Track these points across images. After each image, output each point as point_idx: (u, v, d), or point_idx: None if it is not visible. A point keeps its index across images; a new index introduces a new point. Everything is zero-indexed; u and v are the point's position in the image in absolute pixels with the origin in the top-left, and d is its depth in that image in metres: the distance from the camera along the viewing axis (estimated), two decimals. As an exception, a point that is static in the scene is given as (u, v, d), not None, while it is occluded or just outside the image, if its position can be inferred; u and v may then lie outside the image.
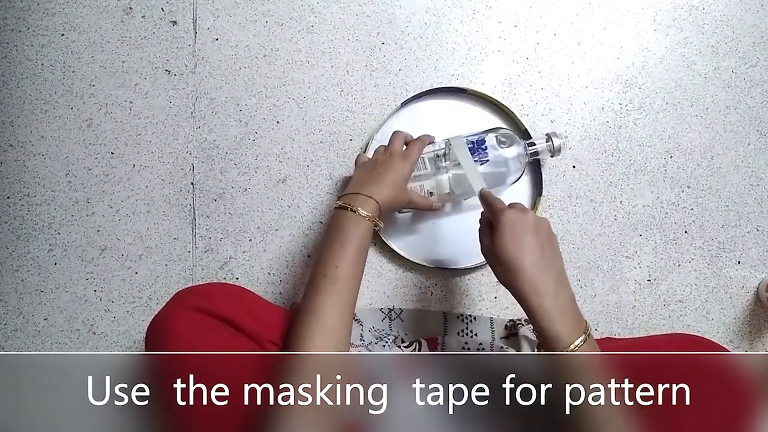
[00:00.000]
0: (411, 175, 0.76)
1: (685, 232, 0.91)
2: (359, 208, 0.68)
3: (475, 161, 0.79)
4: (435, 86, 0.92)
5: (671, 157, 0.92)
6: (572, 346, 0.57)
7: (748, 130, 0.92)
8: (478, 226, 0.69)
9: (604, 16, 0.93)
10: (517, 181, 0.85)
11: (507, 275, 0.60)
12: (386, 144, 0.80)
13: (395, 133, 0.80)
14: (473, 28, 0.93)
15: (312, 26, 0.93)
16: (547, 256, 0.61)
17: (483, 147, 0.81)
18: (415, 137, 0.81)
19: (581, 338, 0.57)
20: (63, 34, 0.95)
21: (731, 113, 0.92)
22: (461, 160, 0.77)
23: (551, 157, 0.85)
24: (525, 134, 0.89)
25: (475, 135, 0.82)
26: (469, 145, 0.80)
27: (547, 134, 0.84)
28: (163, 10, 0.95)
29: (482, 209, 0.70)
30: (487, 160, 0.81)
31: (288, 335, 0.64)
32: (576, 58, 0.92)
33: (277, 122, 0.93)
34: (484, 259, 0.84)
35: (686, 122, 0.92)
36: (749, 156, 0.92)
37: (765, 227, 0.91)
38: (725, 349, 0.70)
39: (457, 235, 0.89)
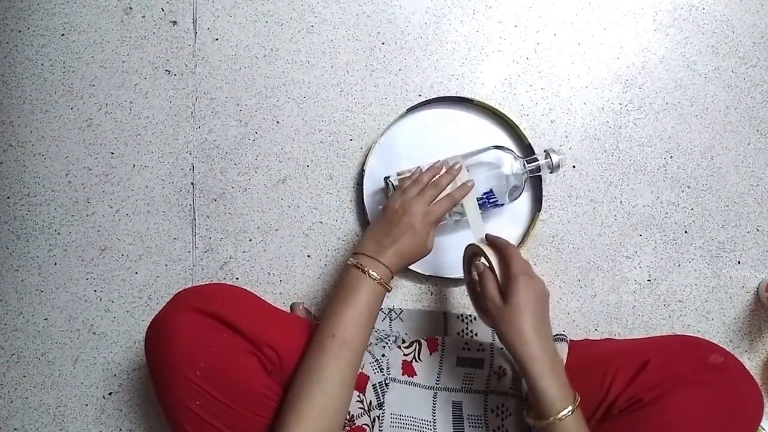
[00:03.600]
0: (432, 232, 0.70)
1: (685, 232, 0.91)
2: (372, 272, 0.65)
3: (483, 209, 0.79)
4: (435, 86, 0.92)
5: (671, 157, 0.92)
6: (565, 412, 0.58)
7: (748, 130, 0.92)
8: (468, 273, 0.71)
9: (604, 16, 0.93)
10: (517, 198, 0.84)
11: (511, 336, 0.62)
12: (405, 172, 0.75)
13: (421, 174, 0.73)
14: (473, 28, 0.93)
15: (312, 26, 0.93)
16: (546, 323, 0.63)
17: (493, 200, 0.80)
18: (443, 170, 0.74)
19: (571, 408, 0.59)
20: (63, 34, 0.95)
21: (731, 113, 0.92)
22: (467, 209, 0.73)
23: (550, 173, 0.83)
24: (528, 149, 0.89)
25: (476, 153, 0.81)
26: (480, 201, 0.78)
27: (545, 150, 0.82)
28: (163, 10, 0.95)
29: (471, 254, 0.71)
30: (501, 204, 0.81)
31: (288, 391, 0.63)
32: (576, 58, 0.92)
33: (277, 122, 0.93)
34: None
35: (686, 122, 0.92)
36: (749, 156, 0.92)
37: (765, 227, 0.91)
38: (725, 351, 0.70)
39: (455, 244, 0.89)
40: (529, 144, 0.88)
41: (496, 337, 0.85)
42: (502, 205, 0.82)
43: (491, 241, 0.69)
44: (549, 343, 0.62)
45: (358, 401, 0.70)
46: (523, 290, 0.62)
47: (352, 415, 0.69)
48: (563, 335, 0.79)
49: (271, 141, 0.93)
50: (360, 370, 0.73)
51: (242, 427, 0.64)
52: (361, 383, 0.72)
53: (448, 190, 0.72)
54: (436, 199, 0.71)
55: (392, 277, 0.68)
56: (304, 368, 0.63)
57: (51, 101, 0.94)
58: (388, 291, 0.67)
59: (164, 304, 0.67)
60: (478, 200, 0.76)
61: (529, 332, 0.60)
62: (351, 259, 0.68)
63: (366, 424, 0.70)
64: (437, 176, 0.73)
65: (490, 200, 0.80)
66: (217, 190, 0.93)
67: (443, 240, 0.89)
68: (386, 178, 0.82)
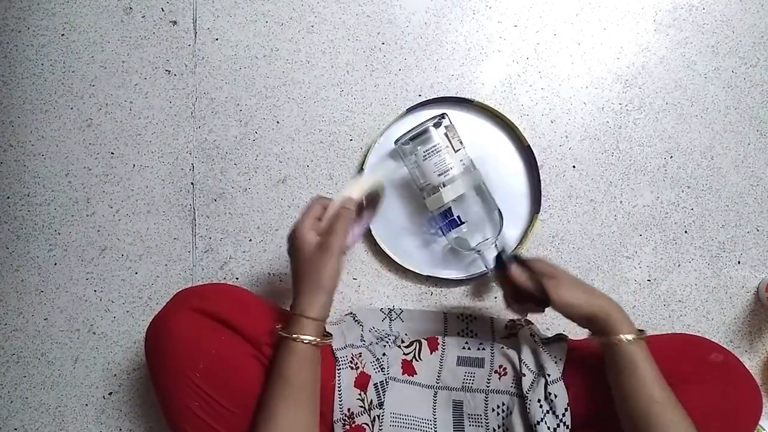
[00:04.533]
0: (341, 252, 0.64)
1: (685, 232, 0.91)
2: (301, 336, 0.61)
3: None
4: (435, 86, 0.92)
5: (671, 157, 0.92)
6: (629, 336, 0.64)
7: (748, 130, 0.92)
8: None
9: (604, 16, 0.93)
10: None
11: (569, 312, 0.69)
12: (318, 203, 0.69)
13: (309, 207, 0.68)
14: (473, 28, 0.93)
15: (312, 26, 0.93)
16: (585, 287, 0.71)
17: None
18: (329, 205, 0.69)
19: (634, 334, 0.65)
20: (63, 34, 0.95)
21: (731, 113, 0.92)
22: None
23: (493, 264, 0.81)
24: (528, 150, 0.89)
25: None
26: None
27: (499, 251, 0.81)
28: (163, 10, 0.95)
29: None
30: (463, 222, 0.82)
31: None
32: (576, 58, 0.92)
33: (277, 122, 0.93)
34: (476, 273, 0.88)
35: (686, 122, 0.92)
36: (749, 156, 0.92)
37: (765, 227, 0.91)
38: (725, 349, 0.70)
39: (452, 246, 0.89)
40: (529, 146, 0.88)
41: (496, 337, 0.85)
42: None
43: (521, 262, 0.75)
44: (601, 298, 0.68)
45: (358, 399, 0.70)
46: (562, 270, 0.72)
47: (352, 413, 0.69)
48: (563, 335, 0.79)
49: (271, 141, 0.93)
50: (362, 370, 0.73)
51: (241, 427, 0.64)
52: (362, 382, 0.72)
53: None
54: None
55: (322, 326, 0.63)
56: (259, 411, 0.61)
57: (51, 101, 0.94)
58: (327, 341, 0.64)
59: (164, 304, 0.67)
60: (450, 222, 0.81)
61: (591, 291, 0.69)
62: (279, 328, 0.64)
63: (366, 423, 0.70)
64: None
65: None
66: (217, 190, 0.93)
67: (443, 240, 0.89)
68: (397, 141, 0.84)
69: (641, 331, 0.65)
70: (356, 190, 0.70)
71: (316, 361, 0.63)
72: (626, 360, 0.63)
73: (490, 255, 0.81)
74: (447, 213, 0.82)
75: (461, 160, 0.81)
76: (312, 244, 0.64)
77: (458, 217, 0.81)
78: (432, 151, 0.81)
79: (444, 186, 0.80)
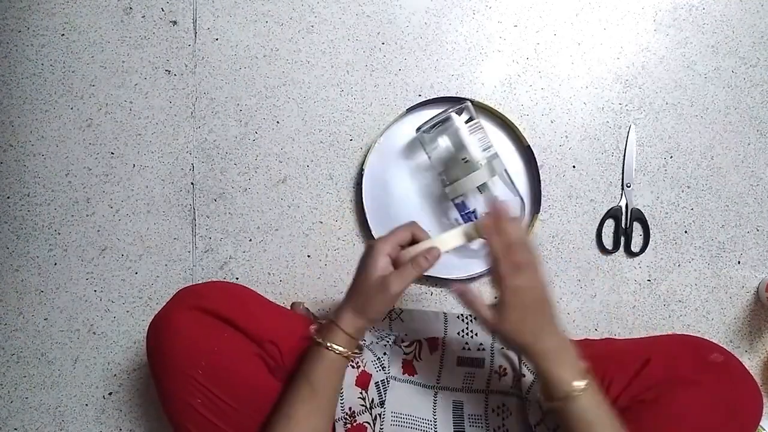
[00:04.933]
0: (396, 296, 0.62)
1: (685, 232, 0.91)
2: (333, 345, 0.62)
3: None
4: (435, 86, 0.92)
5: (671, 157, 0.92)
6: (577, 385, 0.56)
7: (748, 130, 0.92)
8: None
9: (604, 16, 0.93)
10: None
11: (513, 345, 0.61)
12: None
13: (399, 230, 0.65)
14: (473, 28, 0.93)
15: (312, 26, 0.93)
16: (544, 323, 0.60)
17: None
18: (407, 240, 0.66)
19: (582, 385, 0.57)
20: (63, 34, 0.95)
21: (731, 113, 0.92)
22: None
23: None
24: (527, 150, 0.89)
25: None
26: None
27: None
28: (163, 10, 0.95)
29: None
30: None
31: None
32: (576, 58, 0.92)
33: (277, 122, 0.93)
34: (475, 272, 0.88)
35: (686, 122, 0.92)
36: (749, 156, 0.92)
37: (765, 227, 0.91)
38: (725, 350, 0.70)
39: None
40: (528, 146, 0.88)
41: (495, 336, 0.85)
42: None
43: (490, 224, 0.61)
44: (552, 338, 0.59)
45: (360, 398, 0.70)
46: (511, 304, 0.58)
47: (354, 412, 0.69)
48: None
49: (271, 141, 0.93)
50: (362, 368, 0.73)
51: (243, 425, 0.64)
52: (363, 381, 0.72)
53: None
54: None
55: (355, 342, 0.64)
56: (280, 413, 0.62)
57: (51, 101, 0.94)
58: (355, 357, 0.64)
59: (164, 303, 0.67)
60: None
61: (529, 340, 0.58)
62: (315, 334, 0.65)
63: (367, 422, 0.70)
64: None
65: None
66: (217, 190, 0.93)
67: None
68: (419, 129, 0.84)
69: (586, 373, 0.58)
70: (449, 243, 0.64)
71: (342, 371, 0.64)
72: (578, 415, 0.57)
73: None
74: (462, 205, 0.83)
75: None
76: (379, 270, 0.62)
77: (474, 210, 0.83)
78: (476, 127, 0.82)
79: (477, 169, 0.79)
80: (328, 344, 0.62)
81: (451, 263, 0.89)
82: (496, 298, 0.60)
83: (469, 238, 0.64)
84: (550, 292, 0.60)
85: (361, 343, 0.78)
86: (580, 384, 0.56)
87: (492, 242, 0.59)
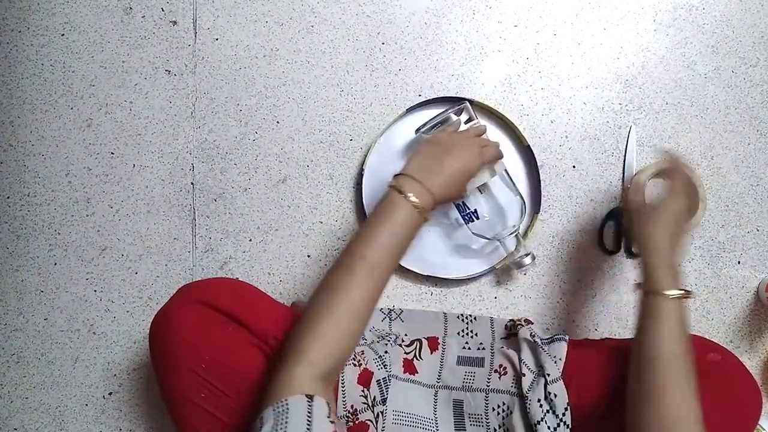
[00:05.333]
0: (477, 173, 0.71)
1: (686, 232, 0.91)
2: (412, 197, 0.63)
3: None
4: (435, 86, 0.92)
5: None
6: (674, 292, 0.64)
7: (748, 130, 0.92)
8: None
9: (604, 16, 0.93)
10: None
11: (641, 235, 0.70)
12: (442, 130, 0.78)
13: (476, 128, 0.77)
14: (473, 28, 0.93)
15: (312, 26, 0.93)
16: (675, 239, 0.69)
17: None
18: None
19: (679, 292, 0.64)
20: (63, 34, 0.95)
21: (731, 113, 0.92)
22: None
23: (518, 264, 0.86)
24: (527, 150, 0.89)
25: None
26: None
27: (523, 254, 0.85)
28: (163, 10, 0.95)
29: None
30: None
31: (307, 309, 0.60)
32: (576, 58, 0.92)
33: (277, 122, 0.93)
34: (475, 272, 0.88)
35: (686, 122, 0.92)
36: (749, 156, 0.92)
37: (765, 227, 0.91)
38: (725, 349, 0.70)
39: (452, 245, 0.89)
40: (528, 146, 0.88)
41: (496, 337, 0.85)
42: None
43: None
44: (672, 252, 0.67)
45: (362, 396, 0.70)
46: (669, 204, 0.69)
47: (356, 410, 0.69)
48: (563, 335, 0.79)
49: (271, 141, 0.93)
50: (364, 366, 0.73)
51: (247, 420, 0.63)
52: (365, 379, 0.72)
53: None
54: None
55: (433, 207, 0.66)
56: (330, 287, 0.60)
57: (51, 101, 0.94)
58: (426, 221, 0.65)
59: (166, 301, 0.66)
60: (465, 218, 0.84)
61: (664, 235, 0.67)
62: (392, 180, 0.66)
63: (369, 420, 0.69)
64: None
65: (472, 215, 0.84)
66: (217, 190, 0.93)
67: (443, 241, 0.89)
68: (418, 130, 0.85)
69: (688, 292, 0.65)
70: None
71: (414, 226, 0.64)
72: (656, 309, 0.64)
73: (510, 243, 0.85)
74: (463, 206, 0.84)
75: None
76: (473, 168, 0.70)
77: (475, 210, 0.84)
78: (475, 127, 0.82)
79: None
80: (413, 199, 0.63)
81: (450, 263, 0.89)
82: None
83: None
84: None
85: (365, 339, 0.78)
86: (678, 291, 0.64)
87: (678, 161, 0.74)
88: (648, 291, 0.65)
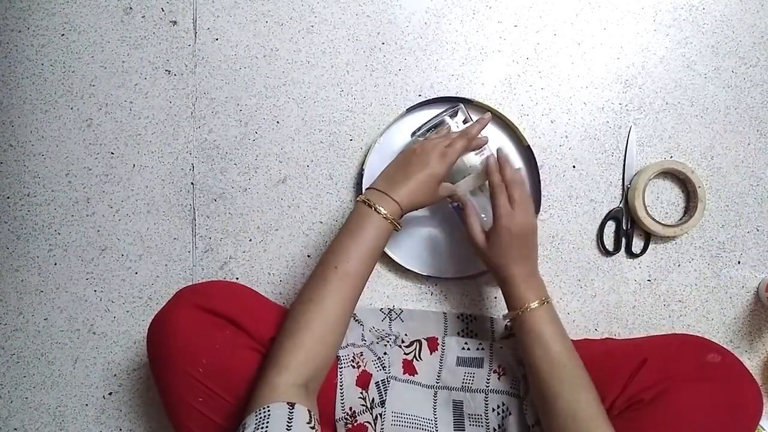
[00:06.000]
0: (446, 174, 0.71)
1: (686, 232, 0.91)
2: (380, 207, 0.66)
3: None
4: (435, 86, 0.92)
5: (671, 157, 0.92)
6: (533, 305, 0.68)
7: (748, 130, 0.92)
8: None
9: (604, 16, 0.93)
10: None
11: (494, 268, 0.72)
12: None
13: (451, 133, 0.77)
14: (473, 28, 0.93)
15: (312, 26, 0.93)
16: (527, 255, 0.72)
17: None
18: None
19: (537, 303, 0.68)
20: (63, 34, 0.95)
21: (731, 113, 0.92)
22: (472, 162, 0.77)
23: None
24: (527, 150, 0.89)
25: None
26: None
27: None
28: (163, 10, 0.95)
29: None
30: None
31: (287, 319, 0.63)
32: (576, 58, 0.92)
33: (277, 122, 0.93)
34: (475, 272, 0.88)
35: (686, 122, 0.92)
36: (749, 156, 0.92)
37: (765, 227, 0.91)
38: (725, 349, 0.70)
39: (452, 245, 0.89)
40: (528, 146, 0.88)
41: (496, 336, 0.85)
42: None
43: (494, 165, 0.74)
44: (525, 265, 0.70)
45: (360, 398, 0.70)
46: (501, 233, 0.69)
47: (354, 412, 0.69)
48: None
49: (271, 141, 0.93)
50: (363, 368, 0.73)
51: None
52: (364, 381, 0.72)
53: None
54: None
55: (401, 215, 0.69)
56: (305, 298, 0.64)
57: (51, 101, 0.94)
58: (397, 229, 0.68)
59: (165, 303, 0.67)
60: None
61: (503, 263, 0.70)
62: (361, 195, 0.69)
63: (368, 422, 0.70)
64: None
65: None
66: (217, 190, 0.93)
67: (443, 240, 0.89)
68: (413, 134, 0.84)
69: (545, 298, 0.69)
70: (468, 184, 0.77)
71: (385, 236, 0.67)
72: (527, 326, 0.67)
73: None
74: (458, 207, 0.82)
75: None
76: (441, 173, 0.70)
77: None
78: None
79: (471, 172, 0.80)
80: (380, 210, 0.66)
81: (450, 263, 0.89)
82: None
83: (482, 178, 0.77)
84: (535, 229, 0.72)
85: (365, 340, 0.79)
86: (536, 303, 0.68)
87: (493, 178, 0.72)
88: (513, 312, 0.70)
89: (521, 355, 0.70)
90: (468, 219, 0.74)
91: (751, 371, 0.68)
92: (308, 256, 0.92)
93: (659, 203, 0.91)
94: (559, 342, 0.66)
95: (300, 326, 0.61)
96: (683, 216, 0.91)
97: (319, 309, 0.62)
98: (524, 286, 0.69)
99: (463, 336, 0.85)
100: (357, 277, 0.65)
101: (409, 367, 0.77)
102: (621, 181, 0.91)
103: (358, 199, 0.68)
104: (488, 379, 0.76)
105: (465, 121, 0.81)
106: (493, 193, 0.71)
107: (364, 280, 0.66)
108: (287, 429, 0.51)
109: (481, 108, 0.89)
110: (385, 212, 0.66)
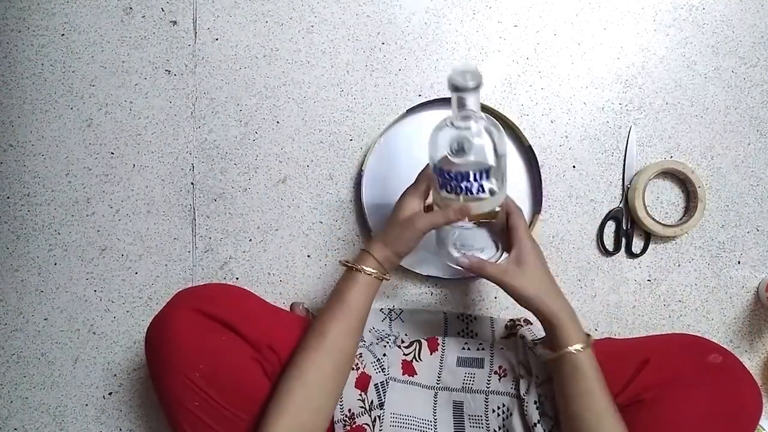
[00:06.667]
0: (421, 233, 0.67)
1: (686, 232, 0.91)
2: (368, 270, 0.68)
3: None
4: (435, 86, 0.92)
5: (671, 157, 0.92)
6: (578, 346, 0.64)
7: (748, 130, 0.92)
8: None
9: (604, 16, 0.93)
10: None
11: (529, 293, 0.66)
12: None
13: (413, 187, 0.72)
14: (473, 28, 0.93)
15: (312, 26, 0.93)
16: (554, 280, 0.69)
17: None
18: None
19: (582, 345, 0.64)
20: (63, 34, 0.95)
21: (731, 113, 0.92)
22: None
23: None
24: (528, 150, 0.89)
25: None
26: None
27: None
28: (163, 10, 0.95)
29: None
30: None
31: (278, 383, 0.64)
32: (576, 58, 0.92)
33: (277, 122, 0.93)
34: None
35: (686, 122, 0.92)
36: (749, 156, 0.92)
37: (765, 227, 0.91)
38: (725, 350, 0.70)
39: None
40: (530, 146, 0.88)
41: (496, 336, 0.85)
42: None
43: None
44: (561, 299, 0.67)
45: (359, 400, 0.70)
46: (530, 261, 0.66)
47: (353, 414, 0.69)
48: None
49: (271, 141, 0.93)
50: (362, 370, 0.73)
51: (240, 429, 0.63)
52: (363, 382, 0.72)
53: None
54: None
55: (384, 268, 0.69)
56: (291, 363, 0.65)
57: (51, 101, 0.94)
58: (385, 280, 0.69)
59: (164, 304, 0.67)
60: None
61: (543, 294, 0.65)
62: (351, 260, 0.70)
63: (366, 424, 0.70)
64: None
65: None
66: (217, 190, 0.93)
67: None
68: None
69: (588, 335, 0.66)
70: (480, 208, 0.66)
71: (373, 292, 0.69)
72: (571, 368, 0.64)
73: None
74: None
75: None
76: (408, 210, 0.69)
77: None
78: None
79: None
80: (359, 267, 0.67)
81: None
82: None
83: (496, 207, 0.68)
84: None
85: (364, 341, 0.79)
86: (581, 344, 0.64)
87: (515, 212, 0.69)
88: (560, 350, 0.64)
89: (557, 396, 0.67)
90: (482, 267, 0.68)
91: (751, 371, 0.68)
92: (308, 256, 0.92)
93: (659, 203, 0.91)
94: (604, 390, 0.63)
95: (282, 393, 0.63)
96: (683, 216, 0.91)
97: (299, 375, 0.63)
98: (570, 324, 0.65)
99: (463, 336, 0.85)
100: (337, 343, 0.66)
101: (408, 368, 0.77)
102: (621, 181, 0.91)
103: (344, 263, 0.70)
104: (489, 380, 0.76)
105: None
106: (514, 219, 0.68)
107: (347, 347, 0.67)
108: None
109: (482, 107, 0.89)
110: (374, 272, 0.68)
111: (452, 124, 0.62)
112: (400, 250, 0.69)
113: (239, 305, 0.68)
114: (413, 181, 0.72)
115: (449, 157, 0.62)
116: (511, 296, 0.67)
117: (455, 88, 0.59)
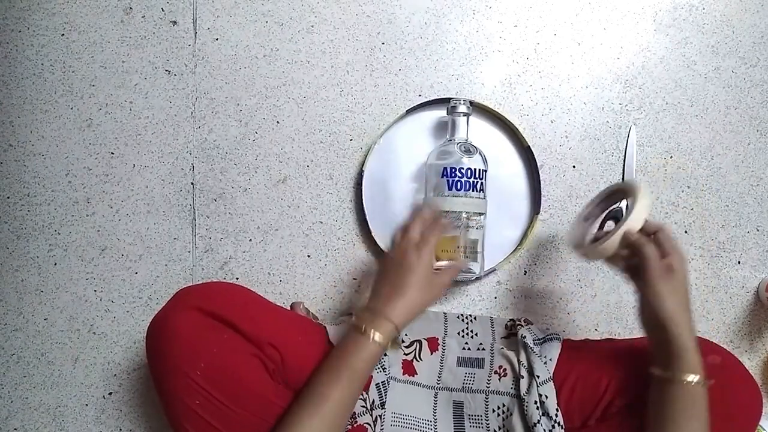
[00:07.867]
0: (432, 269, 0.67)
1: (685, 232, 0.91)
2: (375, 333, 0.63)
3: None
4: (435, 86, 0.92)
5: (671, 157, 0.92)
6: (695, 378, 0.60)
7: (748, 130, 0.92)
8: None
9: (604, 16, 0.93)
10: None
11: (671, 302, 0.63)
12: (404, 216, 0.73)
13: (414, 218, 0.71)
14: (473, 28, 0.93)
15: (312, 26, 0.93)
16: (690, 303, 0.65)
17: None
18: (430, 217, 0.71)
19: (700, 378, 0.61)
20: (63, 34, 0.95)
21: (731, 113, 0.92)
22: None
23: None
24: (528, 151, 0.89)
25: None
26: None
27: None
28: (163, 10, 0.95)
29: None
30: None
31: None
32: (576, 58, 0.92)
33: (277, 122, 0.93)
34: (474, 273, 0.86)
35: (686, 122, 0.92)
36: (749, 156, 0.92)
37: (765, 227, 0.91)
38: (725, 350, 0.70)
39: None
40: (529, 146, 0.88)
41: (496, 336, 0.85)
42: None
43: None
44: (691, 323, 0.63)
45: (360, 399, 0.70)
46: (683, 265, 0.64)
47: (354, 413, 0.69)
48: (556, 335, 0.79)
49: (271, 141, 0.93)
50: None
51: (241, 427, 0.63)
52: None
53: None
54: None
55: (399, 333, 0.65)
56: (286, 423, 0.62)
57: (51, 101, 0.94)
58: (396, 347, 0.68)
59: (164, 303, 0.66)
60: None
61: (682, 311, 0.62)
62: (355, 318, 0.66)
63: (367, 423, 0.70)
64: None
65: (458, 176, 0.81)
66: (217, 190, 0.93)
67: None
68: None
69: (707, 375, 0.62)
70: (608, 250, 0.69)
71: (378, 358, 0.65)
72: (688, 402, 0.60)
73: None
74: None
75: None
76: (429, 266, 0.67)
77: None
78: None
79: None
80: (375, 337, 0.63)
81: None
82: None
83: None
84: None
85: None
86: (699, 377, 0.60)
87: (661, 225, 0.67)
88: (677, 378, 0.61)
89: (653, 416, 0.63)
90: (648, 258, 0.65)
91: (751, 371, 0.68)
92: (308, 256, 0.92)
93: (659, 203, 0.91)
94: (702, 422, 0.61)
95: None
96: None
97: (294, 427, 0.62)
98: (697, 353, 0.61)
99: (463, 336, 0.85)
100: (345, 408, 0.64)
101: (408, 368, 0.77)
102: (621, 181, 0.91)
103: (351, 322, 0.66)
104: (489, 380, 0.76)
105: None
106: (664, 228, 0.67)
107: (352, 404, 0.65)
108: None
109: (482, 108, 0.89)
110: (379, 338, 0.63)
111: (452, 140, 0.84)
112: (422, 305, 0.66)
113: (239, 303, 0.68)
114: (409, 232, 0.69)
115: (462, 157, 0.80)
116: (641, 301, 0.65)
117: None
